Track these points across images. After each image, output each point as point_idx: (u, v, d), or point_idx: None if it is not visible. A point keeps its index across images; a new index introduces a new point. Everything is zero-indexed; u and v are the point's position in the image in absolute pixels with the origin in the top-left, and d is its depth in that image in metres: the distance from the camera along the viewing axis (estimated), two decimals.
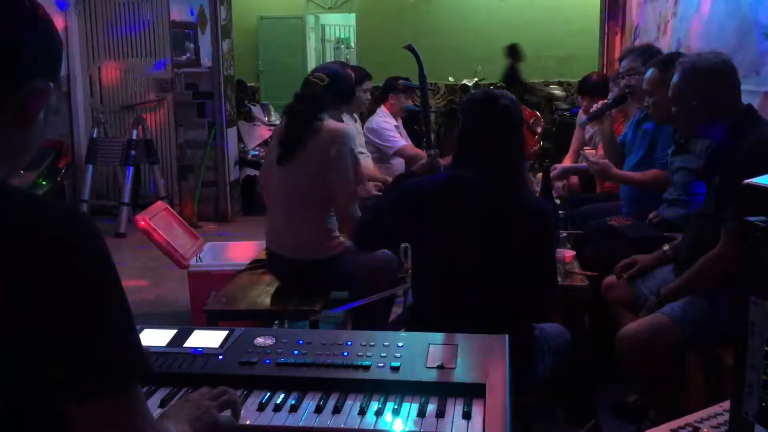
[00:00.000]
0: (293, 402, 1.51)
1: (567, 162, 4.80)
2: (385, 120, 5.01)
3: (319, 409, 1.48)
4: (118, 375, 0.95)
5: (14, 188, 0.97)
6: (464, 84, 8.82)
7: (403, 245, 3.18)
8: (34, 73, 1.00)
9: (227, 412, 1.39)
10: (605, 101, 3.95)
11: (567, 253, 3.00)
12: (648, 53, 3.68)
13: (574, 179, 4.69)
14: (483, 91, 2.46)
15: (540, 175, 3.32)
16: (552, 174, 3.93)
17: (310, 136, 3.01)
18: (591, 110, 4.00)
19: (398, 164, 5.02)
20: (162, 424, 1.16)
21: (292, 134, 3.06)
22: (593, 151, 4.29)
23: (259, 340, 1.71)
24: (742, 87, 2.57)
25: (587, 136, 4.92)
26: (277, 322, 3.42)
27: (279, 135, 3.17)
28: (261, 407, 1.50)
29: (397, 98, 5.09)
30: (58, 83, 1.07)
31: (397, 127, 5.09)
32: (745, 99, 2.63)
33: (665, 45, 4.76)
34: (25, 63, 0.99)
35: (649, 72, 3.11)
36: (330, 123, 3.08)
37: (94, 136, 6.73)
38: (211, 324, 3.00)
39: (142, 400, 1.01)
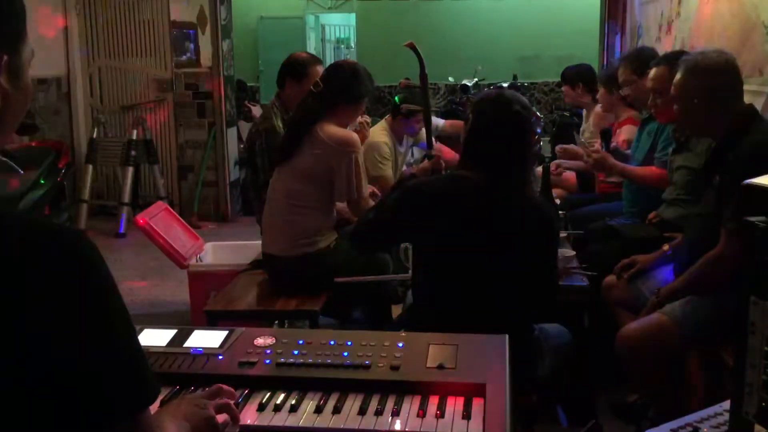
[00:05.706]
0: (293, 402, 1.51)
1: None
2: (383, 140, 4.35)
3: (319, 410, 1.48)
4: (133, 399, 0.94)
5: (8, 212, 0.91)
6: (464, 84, 8.80)
7: (403, 245, 3.18)
8: None
9: (223, 416, 1.37)
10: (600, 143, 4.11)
11: (567, 254, 3.00)
12: (639, 58, 3.68)
13: (572, 179, 4.70)
14: (496, 92, 2.43)
15: (539, 172, 3.31)
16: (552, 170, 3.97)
17: (304, 139, 3.09)
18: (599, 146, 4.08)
19: None
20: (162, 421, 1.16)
21: (289, 139, 3.19)
22: (593, 142, 4.33)
23: (259, 340, 1.71)
24: (746, 87, 2.56)
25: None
26: (277, 322, 3.42)
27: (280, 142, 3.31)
28: (261, 407, 1.50)
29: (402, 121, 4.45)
30: (18, 55, 0.94)
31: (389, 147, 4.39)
32: (749, 99, 2.62)
33: (668, 45, 4.75)
34: None
35: (655, 70, 3.09)
36: (330, 128, 3.10)
37: (94, 136, 6.73)
38: (211, 324, 3.00)
39: (152, 421, 1.00)
